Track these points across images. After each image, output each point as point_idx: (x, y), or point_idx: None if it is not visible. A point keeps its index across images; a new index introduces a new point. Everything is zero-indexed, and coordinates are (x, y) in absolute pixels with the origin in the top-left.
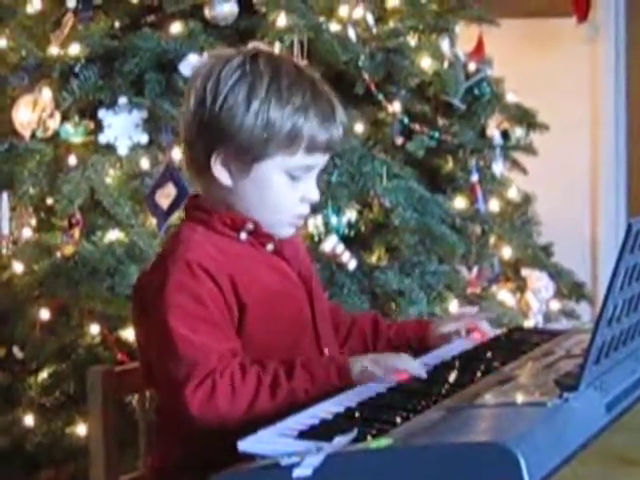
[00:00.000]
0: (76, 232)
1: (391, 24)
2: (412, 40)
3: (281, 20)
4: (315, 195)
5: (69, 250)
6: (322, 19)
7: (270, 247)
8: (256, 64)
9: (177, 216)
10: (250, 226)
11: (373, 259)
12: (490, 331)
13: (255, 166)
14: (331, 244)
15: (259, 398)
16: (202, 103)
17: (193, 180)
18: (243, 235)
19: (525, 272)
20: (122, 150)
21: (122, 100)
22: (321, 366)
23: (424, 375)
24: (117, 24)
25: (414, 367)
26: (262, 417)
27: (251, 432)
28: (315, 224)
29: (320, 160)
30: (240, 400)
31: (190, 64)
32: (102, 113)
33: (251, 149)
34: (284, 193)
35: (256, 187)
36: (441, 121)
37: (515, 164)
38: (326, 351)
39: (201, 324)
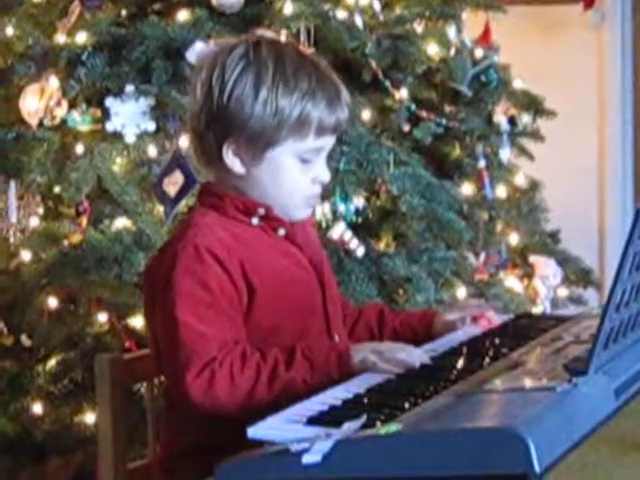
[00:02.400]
0: (83, 220)
1: (398, 11)
2: (419, 27)
3: (288, 7)
4: (326, 176)
5: (77, 238)
6: (328, 6)
7: (282, 232)
8: (259, 52)
9: (184, 204)
10: (262, 211)
11: (381, 246)
12: (497, 319)
13: (267, 153)
14: (339, 231)
15: (257, 389)
16: (209, 94)
17: (204, 170)
18: (255, 220)
19: (532, 259)
20: (129, 138)
21: (129, 88)
22: (322, 354)
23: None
24: (124, 12)
25: (415, 360)
26: (262, 406)
27: (259, 418)
28: (323, 211)
29: (329, 141)
30: (238, 390)
31: (197, 51)
32: (109, 101)
33: (262, 137)
34: (297, 177)
35: (269, 173)
36: (448, 108)
37: (522, 150)
38: (336, 337)
39: (206, 311)
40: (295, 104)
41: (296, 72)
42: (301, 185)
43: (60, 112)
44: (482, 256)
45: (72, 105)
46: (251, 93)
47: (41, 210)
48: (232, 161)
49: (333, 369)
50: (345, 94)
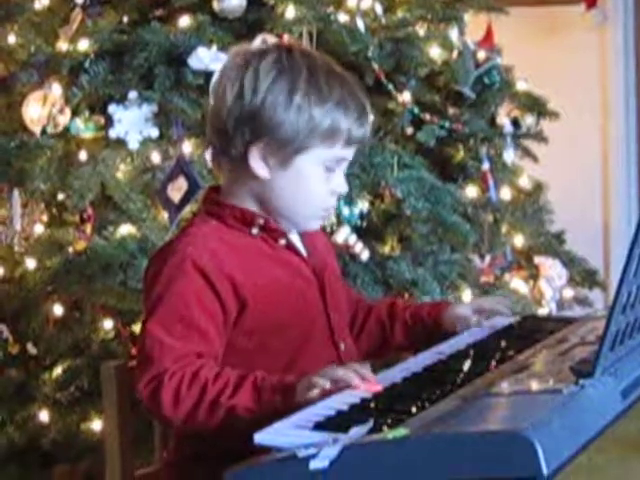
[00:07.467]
0: (88, 227)
1: (400, 14)
2: (421, 30)
3: (289, 12)
4: (344, 187)
5: (81, 245)
6: (331, 10)
7: (282, 242)
8: (293, 59)
9: (188, 209)
10: (260, 221)
11: (386, 249)
12: (509, 314)
13: (295, 159)
14: (343, 235)
15: (199, 410)
16: (240, 96)
17: (221, 170)
18: (254, 230)
19: (538, 260)
20: (133, 144)
21: (132, 94)
22: (270, 386)
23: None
24: (125, 19)
25: (356, 380)
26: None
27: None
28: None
29: (352, 153)
30: (181, 407)
31: (199, 57)
32: (112, 108)
33: (293, 142)
34: (317, 186)
35: (292, 180)
36: (451, 110)
37: (526, 152)
38: (342, 346)
39: (174, 322)
40: (328, 113)
41: (328, 82)
42: (319, 195)
43: (63, 119)
44: (487, 258)
45: (75, 112)
46: (285, 99)
47: (45, 218)
48: (257, 164)
49: (279, 403)
50: (369, 108)
